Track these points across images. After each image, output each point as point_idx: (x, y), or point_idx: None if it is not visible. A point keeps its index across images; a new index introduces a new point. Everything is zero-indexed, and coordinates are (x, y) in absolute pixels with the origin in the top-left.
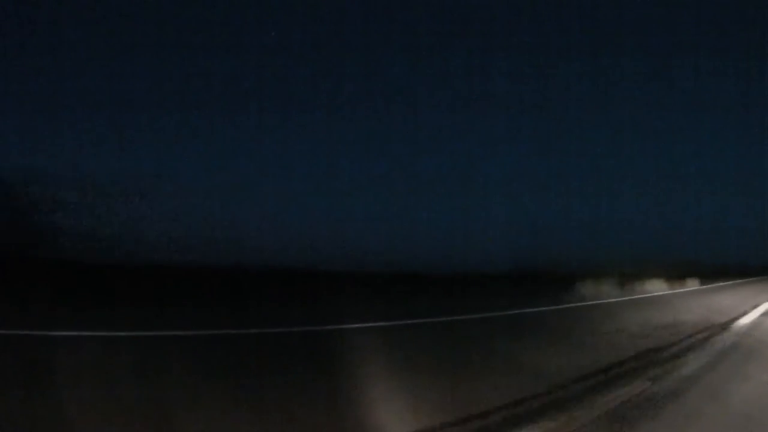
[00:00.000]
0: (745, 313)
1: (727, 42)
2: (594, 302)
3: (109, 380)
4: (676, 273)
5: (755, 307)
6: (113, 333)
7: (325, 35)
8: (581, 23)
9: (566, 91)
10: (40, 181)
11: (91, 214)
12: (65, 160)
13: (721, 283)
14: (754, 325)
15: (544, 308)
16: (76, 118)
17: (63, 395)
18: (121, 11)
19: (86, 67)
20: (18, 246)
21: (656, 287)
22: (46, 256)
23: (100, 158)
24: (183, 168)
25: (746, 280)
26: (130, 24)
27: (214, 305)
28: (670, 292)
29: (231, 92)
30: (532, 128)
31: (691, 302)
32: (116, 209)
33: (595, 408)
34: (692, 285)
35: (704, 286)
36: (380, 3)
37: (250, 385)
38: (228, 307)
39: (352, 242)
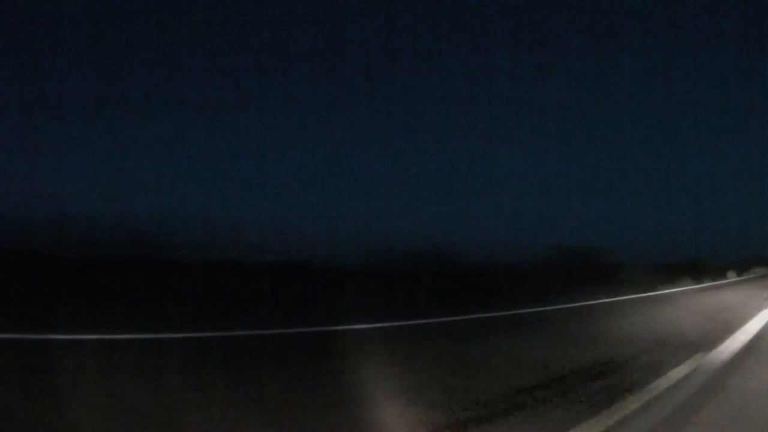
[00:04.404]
0: None
1: (727, 42)
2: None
3: (108, 384)
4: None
5: None
6: (110, 336)
7: (326, 35)
8: (581, 23)
9: (566, 91)
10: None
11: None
12: (65, 159)
13: None
14: None
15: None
16: (74, 117)
17: (61, 399)
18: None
19: (79, 65)
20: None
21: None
22: (42, 253)
23: (100, 157)
24: (184, 166)
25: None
26: (121, 20)
27: (214, 306)
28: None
29: (231, 92)
30: (532, 128)
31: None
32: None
33: None
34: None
35: None
36: (380, 3)
37: (250, 389)
38: (228, 308)
39: (351, 240)
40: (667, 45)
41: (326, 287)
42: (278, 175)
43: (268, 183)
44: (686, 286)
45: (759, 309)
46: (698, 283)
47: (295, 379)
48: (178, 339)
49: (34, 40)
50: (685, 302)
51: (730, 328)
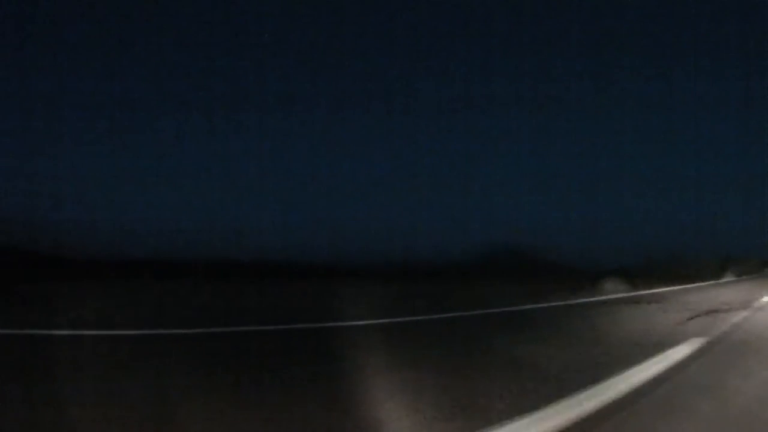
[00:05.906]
0: None
1: (727, 42)
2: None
3: (106, 380)
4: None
5: None
6: (110, 332)
7: (326, 36)
8: (581, 23)
9: (566, 91)
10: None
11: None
12: (65, 158)
13: None
14: None
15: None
16: (75, 117)
17: (59, 395)
18: (120, 12)
19: (81, 66)
20: (14, 242)
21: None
22: (44, 252)
23: (99, 157)
24: (185, 166)
25: None
26: (126, 21)
27: (214, 301)
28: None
29: (231, 92)
30: (532, 128)
31: None
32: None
33: None
34: None
35: None
36: (381, 4)
37: (250, 385)
38: (227, 304)
39: (351, 240)
40: (667, 45)
41: (325, 286)
42: (277, 175)
43: (268, 182)
44: None
45: None
46: None
47: (294, 373)
48: (179, 335)
49: (34, 39)
50: None
51: None
